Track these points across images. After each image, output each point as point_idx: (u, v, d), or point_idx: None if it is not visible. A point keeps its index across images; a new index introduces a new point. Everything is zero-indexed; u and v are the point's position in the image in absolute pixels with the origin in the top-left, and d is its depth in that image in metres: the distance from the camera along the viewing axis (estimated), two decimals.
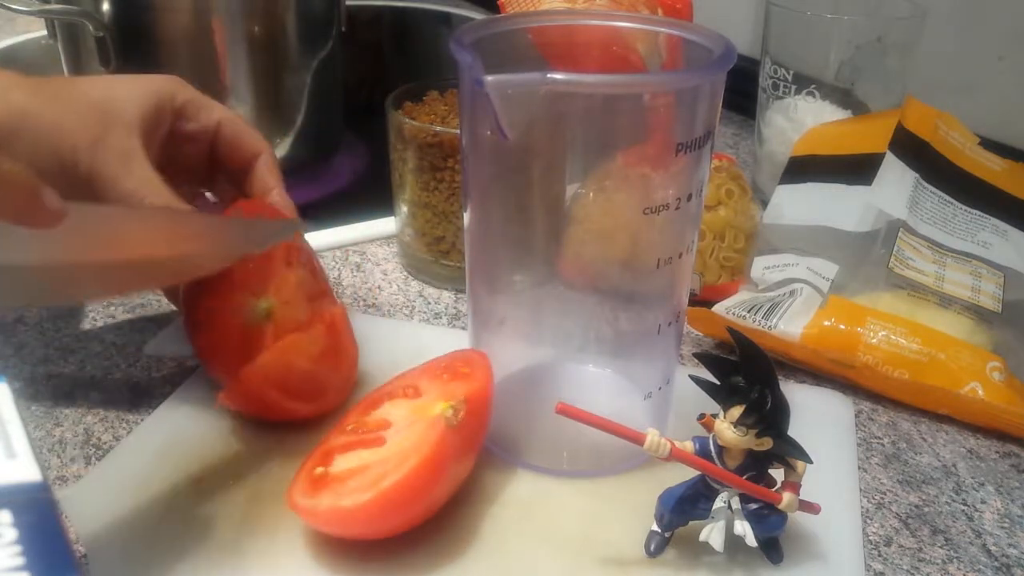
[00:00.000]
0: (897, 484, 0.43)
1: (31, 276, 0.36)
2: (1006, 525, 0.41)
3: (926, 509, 0.42)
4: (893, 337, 0.47)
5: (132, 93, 0.44)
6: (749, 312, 0.50)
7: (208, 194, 0.51)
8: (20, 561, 0.21)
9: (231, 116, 0.48)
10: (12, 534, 0.22)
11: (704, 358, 0.35)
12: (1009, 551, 0.39)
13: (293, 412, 0.43)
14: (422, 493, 0.36)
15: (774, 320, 0.49)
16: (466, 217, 0.40)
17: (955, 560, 0.39)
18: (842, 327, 0.48)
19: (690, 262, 0.40)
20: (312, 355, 0.42)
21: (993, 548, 0.40)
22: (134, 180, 0.42)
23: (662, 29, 0.40)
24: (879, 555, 0.39)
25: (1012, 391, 0.46)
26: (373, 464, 0.36)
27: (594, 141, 0.37)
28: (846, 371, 0.49)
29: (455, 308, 0.56)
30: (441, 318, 0.55)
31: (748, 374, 0.34)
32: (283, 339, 0.42)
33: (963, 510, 0.42)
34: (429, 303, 0.57)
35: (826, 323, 0.48)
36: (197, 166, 0.49)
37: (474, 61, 0.32)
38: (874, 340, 0.47)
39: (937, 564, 0.39)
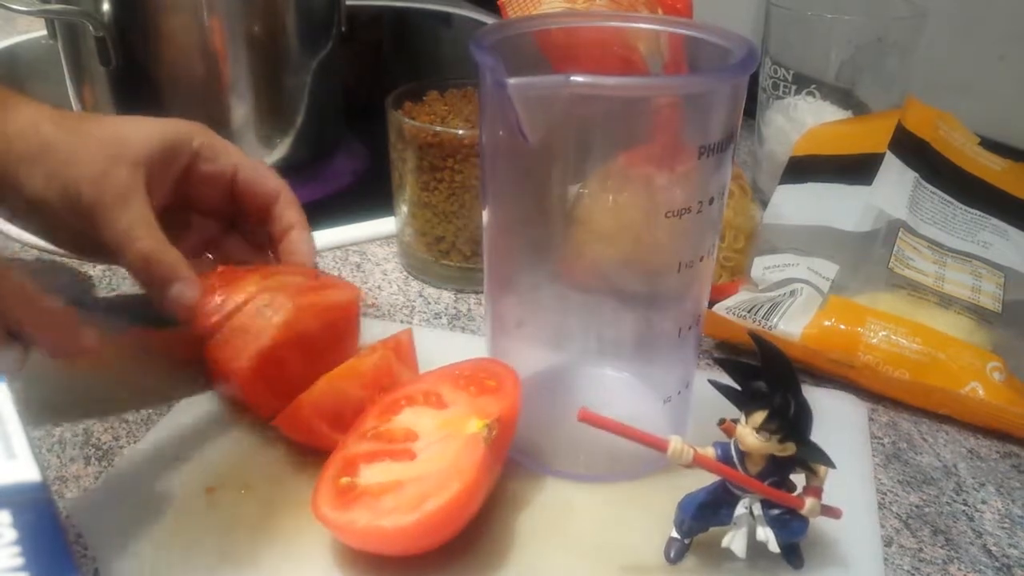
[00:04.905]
0: (897, 484, 0.43)
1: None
2: (1007, 525, 0.41)
3: (927, 509, 0.42)
4: (893, 337, 0.47)
5: (145, 132, 0.46)
6: (749, 312, 0.50)
7: (209, 256, 0.52)
8: (19, 561, 0.21)
9: (249, 161, 0.50)
10: (12, 534, 0.22)
11: (725, 363, 0.35)
12: (1010, 551, 0.39)
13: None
14: (464, 514, 0.35)
15: (774, 320, 0.49)
16: (484, 218, 0.40)
17: (955, 560, 0.39)
18: (842, 327, 0.48)
19: (710, 266, 0.39)
20: (365, 383, 0.41)
21: (994, 548, 0.40)
22: (127, 220, 0.43)
23: (678, 30, 0.40)
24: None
25: (1012, 391, 0.46)
26: (408, 482, 0.35)
27: (615, 143, 0.37)
28: (846, 371, 0.49)
29: (455, 308, 0.56)
30: (441, 318, 0.55)
31: (770, 379, 0.34)
32: (337, 368, 0.41)
33: (963, 510, 0.42)
34: (429, 303, 0.57)
35: (826, 323, 0.48)
36: (217, 208, 0.50)
37: (496, 64, 0.32)
38: (874, 340, 0.47)
39: (937, 564, 0.39)
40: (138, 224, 0.43)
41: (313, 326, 0.43)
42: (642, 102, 0.36)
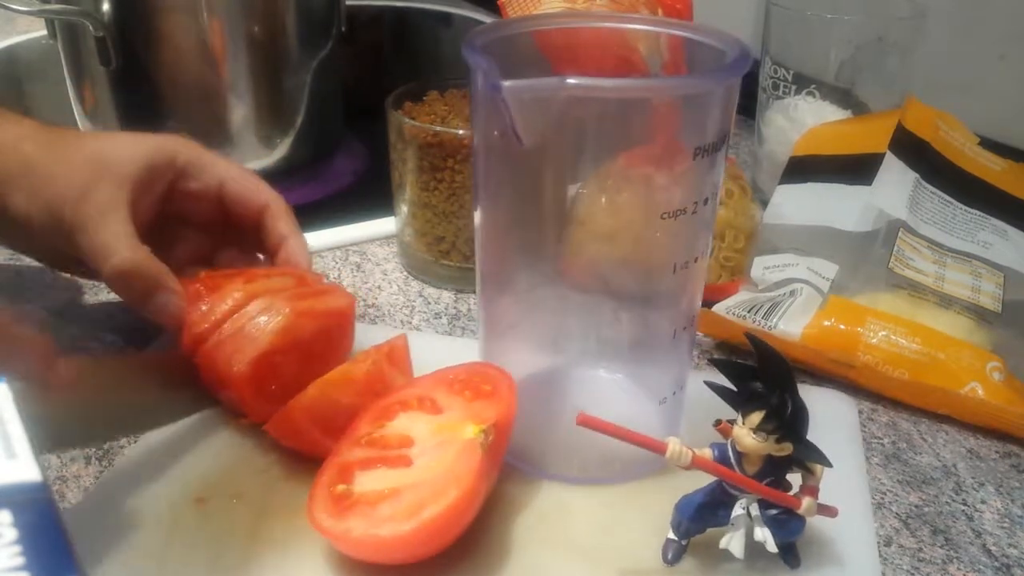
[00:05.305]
0: (897, 484, 0.43)
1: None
2: (1006, 525, 0.41)
3: (926, 509, 0.42)
4: (893, 337, 0.47)
5: (128, 152, 0.45)
6: (749, 312, 0.50)
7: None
8: (20, 561, 0.21)
9: (235, 173, 0.49)
10: (12, 534, 0.22)
11: (720, 363, 0.35)
12: (1009, 551, 0.39)
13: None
14: (461, 521, 0.35)
15: (774, 320, 0.49)
16: (476, 219, 0.40)
17: (955, 560, 0.39)
18: (842, 327, 0.48)
19: (705, 266, 0.40)
20: (358, 389, 0.41)
21: (993, 548, 0.40)
22: (108, 234, 0.43)
23: (672, 31, 0.40)
24: (879, 555, 0.39)
25: (1012, 391, 0.46)
26: (404, 489, 0.35)
27: (610, 145, 0.36)
28: (846, 371, 0.49)
29: (455, 308, 0.56)
30: (441, 318, 0.55)
31: (766, 379, 0.34)
32: (329, 374, 0.41)
33: (963, 510, 0.42)
34: (429, 303, 0.57)
35: (826, 323, 0.48)
36: (210, 220, 0.50)
37: (490, 65, 0.32)
38: (874, 340, 0.47)
39: (937, 564, 0.39)
40: (118, 237, 0.42)
41: (309, 331, 0.43)
42: (638, 103, 0.36)
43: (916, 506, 0.42)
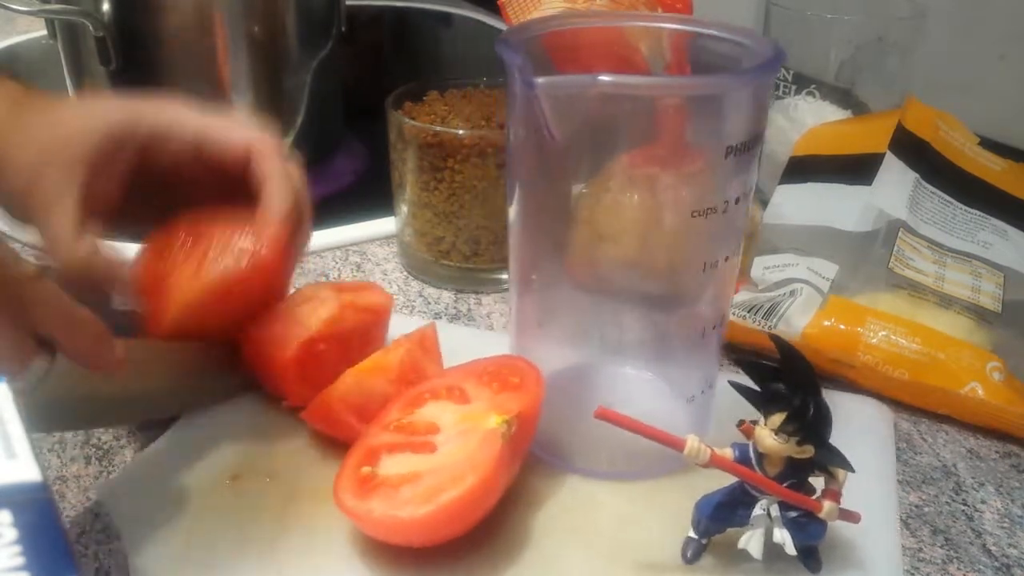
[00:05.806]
0: (897, 484, 0.43)
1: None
2: (1006, 525, 0.41)
3: (926, 509, 0.42)
4: (893, 337, 0.47)
5: (89, 125, 0.43)
6: (749, 312, 0.50)
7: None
8: (20, 561, 0.21)
9: (212, 130, 0.45)
10: (12, 534, 0.22)
11: (745, 364, 0.35)
12: (1009, 551, 0.39)
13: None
14: (478, 508, 0.36)
15: (774, 320, 0.49)
16: (509, 217, 0.40)
17: (955, 560, 0.39)
18: (842, 327, 0.48)
19: (736, 266, 0.39)
20: (391, 377, 0.42)
21: (993, 548, 0.40)
22: (52, 229, 0.41)
23: (700, 29, 0.40)
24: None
25: (1012, 391, 0.46)
26: (426, 473, 0.36)
27: (640, 143, 0.37)
28: (846, 371, 0.49)
29: (455, 308, 0.56)
30: (441, 318, 0.55)
31: (789, 381, 0.33)
32: (364, 362, 0.42)
33: (963, 510, 0.42)
34: (429, 303, 0.57)
35: (826, 323, 0.48)
36: (201, 182, 0.46)
37: (524, 63, 0.32)
38: (874, 340, 0.47)
39: (937, 564, 0.39)
40: (61, 233, 0.41)
41: (350, 323, 0.45)
42: (668, 102, 0.36)
43: (916, 506, 0.42)
